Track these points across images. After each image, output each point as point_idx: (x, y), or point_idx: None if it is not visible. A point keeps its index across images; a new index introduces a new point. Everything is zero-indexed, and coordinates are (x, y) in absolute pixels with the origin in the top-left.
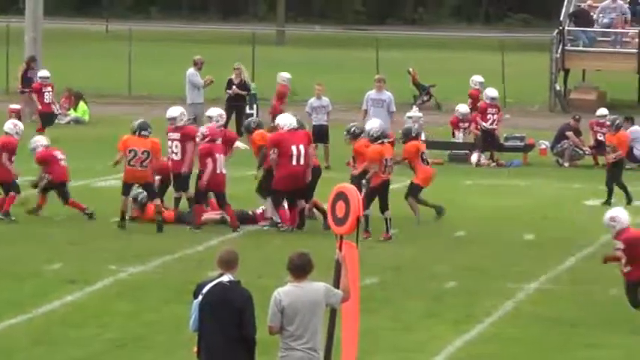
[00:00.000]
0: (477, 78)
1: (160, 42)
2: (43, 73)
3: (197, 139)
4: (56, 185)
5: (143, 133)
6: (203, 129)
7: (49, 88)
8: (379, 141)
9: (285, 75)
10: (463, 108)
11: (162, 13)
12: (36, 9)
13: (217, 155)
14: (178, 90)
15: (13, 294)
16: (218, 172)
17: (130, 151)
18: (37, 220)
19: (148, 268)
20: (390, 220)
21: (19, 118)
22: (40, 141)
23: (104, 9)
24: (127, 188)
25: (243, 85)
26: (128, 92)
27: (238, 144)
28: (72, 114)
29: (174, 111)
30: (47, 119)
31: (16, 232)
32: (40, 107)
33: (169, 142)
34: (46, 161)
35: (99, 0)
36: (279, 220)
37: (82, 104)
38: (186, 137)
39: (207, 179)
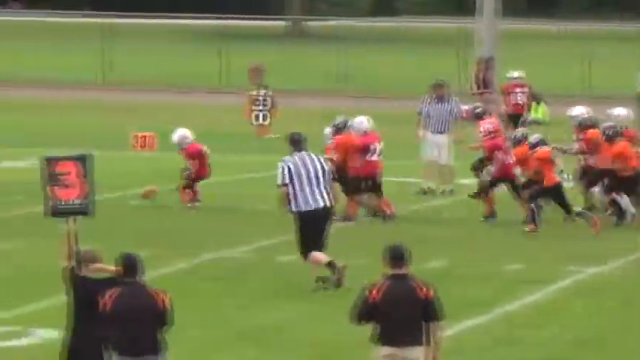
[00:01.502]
0: None
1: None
2: (516, 73)
3: (481, 135)
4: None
5: None
6: (486, 125)
7: (519, 89)
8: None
9: None
10: None
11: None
12: (491, 9)
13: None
14: None
15: (475, 295)
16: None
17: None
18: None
19: (607, 269)
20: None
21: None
22: (187, 135)
23: (558, 8)
24: None
25: None
26: (586, 92)
27: None
28: (531, 115)
29: None
30: (513, 120)
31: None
32: (506, 108)
33: None
34: (196, 156)
35: (554, 0)
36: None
37: (541, 105)
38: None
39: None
